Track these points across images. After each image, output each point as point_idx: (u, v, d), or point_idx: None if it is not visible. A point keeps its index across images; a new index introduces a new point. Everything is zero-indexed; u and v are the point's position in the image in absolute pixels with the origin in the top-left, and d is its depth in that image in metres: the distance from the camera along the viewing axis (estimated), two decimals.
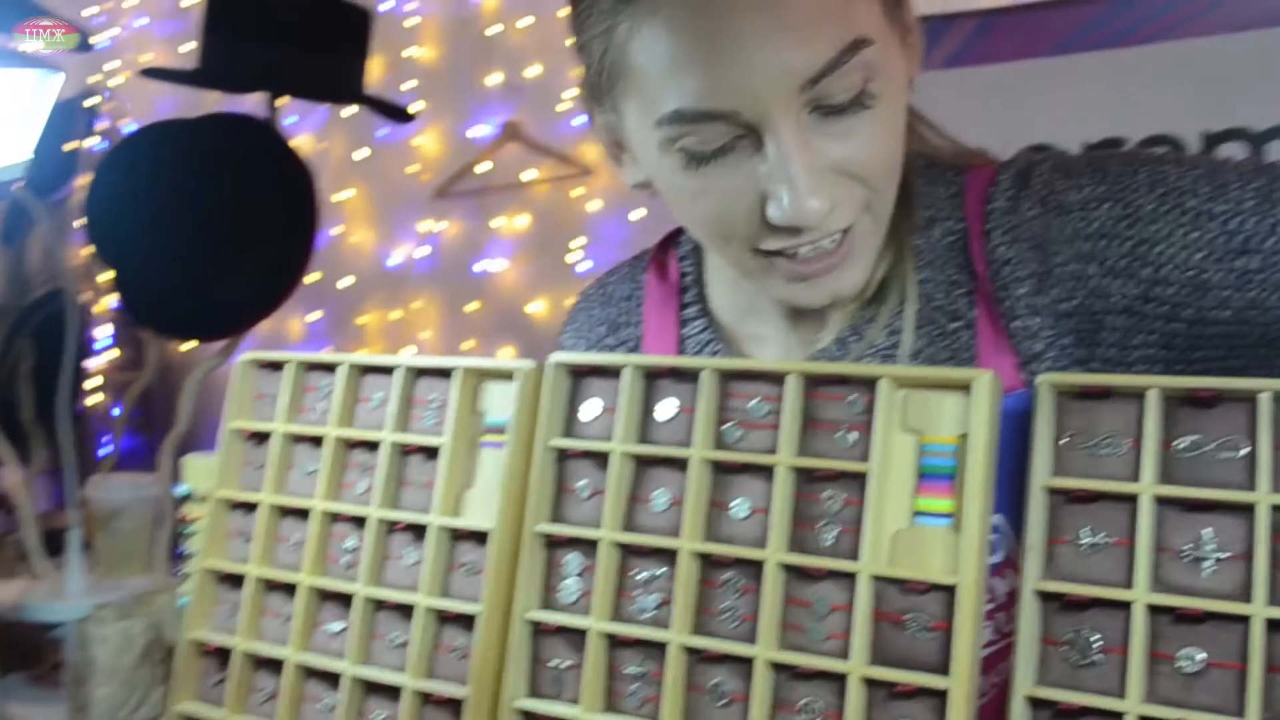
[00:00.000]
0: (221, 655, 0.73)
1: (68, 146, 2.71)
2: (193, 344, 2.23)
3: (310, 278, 2.86)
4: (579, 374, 0.67)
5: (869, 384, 0.60)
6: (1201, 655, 0.52)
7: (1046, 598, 0.55)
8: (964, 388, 0.57)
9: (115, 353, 2.58)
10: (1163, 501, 0.54)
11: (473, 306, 2.71)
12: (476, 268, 2.69)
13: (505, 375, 0.69)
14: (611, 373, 0.66)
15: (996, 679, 0.58)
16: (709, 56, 0.64)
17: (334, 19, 1.56)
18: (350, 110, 2.39)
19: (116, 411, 2.41)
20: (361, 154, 2.86)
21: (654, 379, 0.65)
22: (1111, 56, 1.49)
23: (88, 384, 2.65)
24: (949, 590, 0.55)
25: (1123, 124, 1.48)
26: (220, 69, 1.51)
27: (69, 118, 2.88)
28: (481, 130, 2.66)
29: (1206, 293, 0.67)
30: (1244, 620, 0.51)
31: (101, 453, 2.46)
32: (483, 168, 2.64)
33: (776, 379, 0.62)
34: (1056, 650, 0.55)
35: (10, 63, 0.71)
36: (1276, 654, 0.50)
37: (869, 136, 0.67)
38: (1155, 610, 0.53)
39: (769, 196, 0.67)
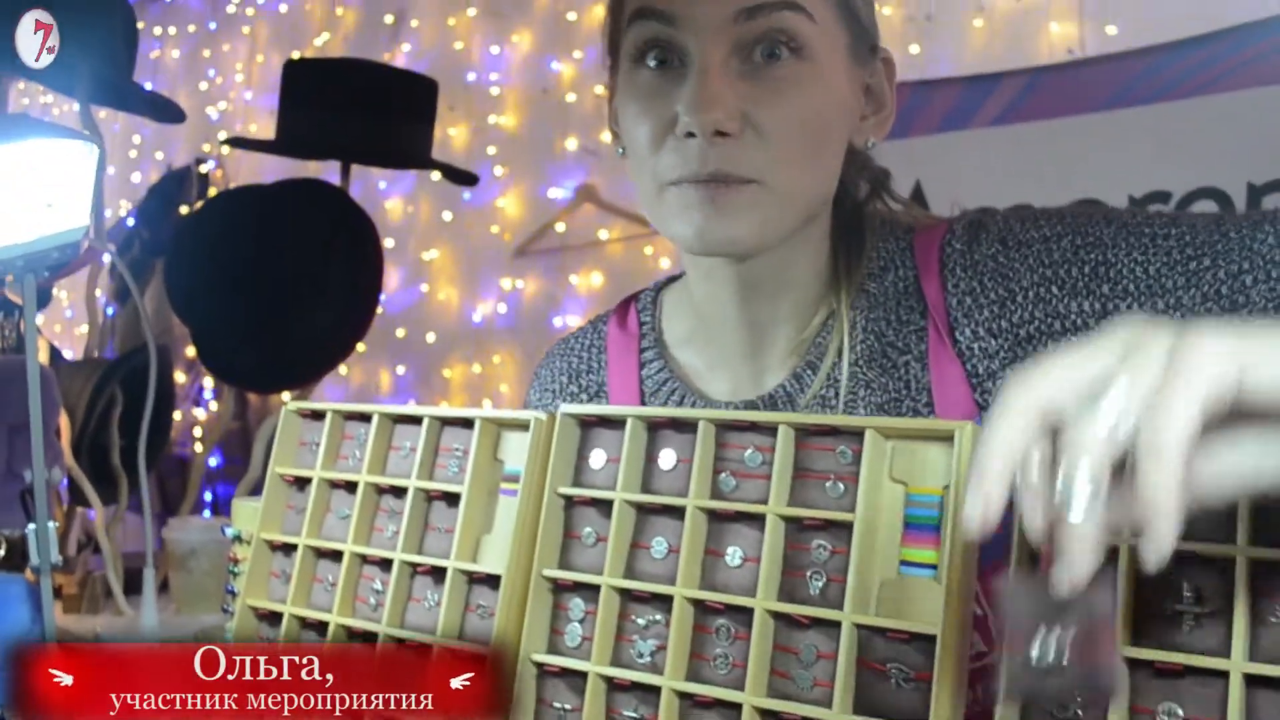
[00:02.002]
0: None
1: (182, 210, 2.87)
2: (277, 393, 2.34)
3: (399, 332, 2.98)
4: (588, 424, 0.70)
5: (858, 435, 0.61)
6: (1181, 711, 0.51)
7: None
8: (948, 438, 0.59)
9: (215, 405, 2.70)
10: None
11: None
12: (555, 323, 2.76)
13: (522, 425, 0.72)
14: (618, 423, 0.69)
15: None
16: None
17: (402, 90, 1.65)
18: (437, 175, 2.50)
19: (214, 460, 2.52)
20: (447, 216, 2.96)
21: (656, 429, 0.68)
22: (1158, 110, 1.49)
23: (195, 432, 2.78)
24: (931, 640, 0.56)
25: (1169, 178, 1.48)
26: (295, 138, 1.60)
27: (181, 184, 3.07)
28: (559, 192, 2.75)
29: (1161, 295, 0.71)
30: (1223, 675, 0.51)
31: (204, 498, 2.57)
32: (560, 228, 2.72)
33: (769, 430, 0.63)
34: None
35: (54, 133, 0.78)
36: (1257, 710, 0.50)
37: (785, 103, 0.73)
38: (1135, 664, 0.53)
39: (680, 113, 0.73)
